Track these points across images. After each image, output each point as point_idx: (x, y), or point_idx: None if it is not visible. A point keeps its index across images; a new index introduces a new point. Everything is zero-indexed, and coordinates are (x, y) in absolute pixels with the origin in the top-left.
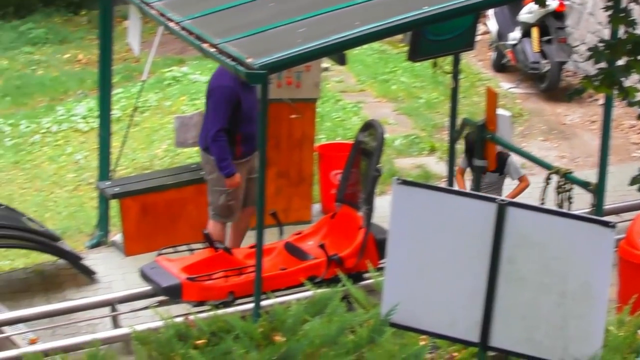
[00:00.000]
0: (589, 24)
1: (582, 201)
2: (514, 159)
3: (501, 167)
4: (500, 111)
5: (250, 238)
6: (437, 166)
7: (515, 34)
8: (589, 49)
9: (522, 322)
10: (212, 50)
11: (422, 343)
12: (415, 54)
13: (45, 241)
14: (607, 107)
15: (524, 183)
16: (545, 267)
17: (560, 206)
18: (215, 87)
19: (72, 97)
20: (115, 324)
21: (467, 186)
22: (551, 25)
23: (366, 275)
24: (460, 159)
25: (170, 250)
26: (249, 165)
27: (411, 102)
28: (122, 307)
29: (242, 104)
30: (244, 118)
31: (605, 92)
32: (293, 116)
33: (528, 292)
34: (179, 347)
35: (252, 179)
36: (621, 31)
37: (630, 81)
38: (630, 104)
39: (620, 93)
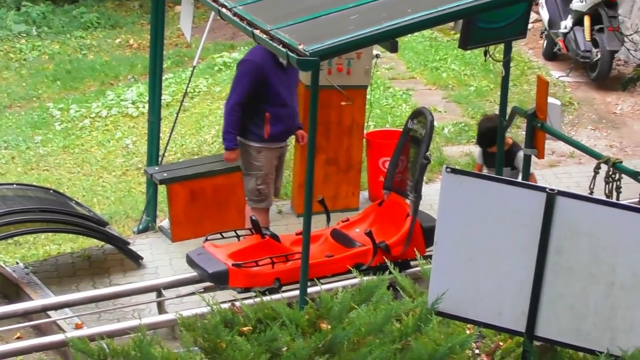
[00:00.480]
0: None
1: (630, 191)
2: (522, 153)
3: (512, 160)
4: (550, 100)
5: (297, 225)
6: None
7: (566, 23)
8: None
9: (570, 313)
10: (264, 36)
11: (468, 332)
12: (466, 42)
13: (92, 226)
14: None
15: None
16: (594, 258)
17: (609, 196)
18: (241, 61)
19: (123, 82)
20: (161, 309)
21: None
22: (603, 13)
23: (413, 263)
24: (476, 155)
25: (217, 236)
26: (280, 153)
27: (461, 90)
28: (168, 293)
29: (269, 83)
30: (271, 98)
31: None
32: (343, 103)
33: (576, 283)
34: (225, 333)
35: (278, 167)
36: None
37: None
38: None
39: None
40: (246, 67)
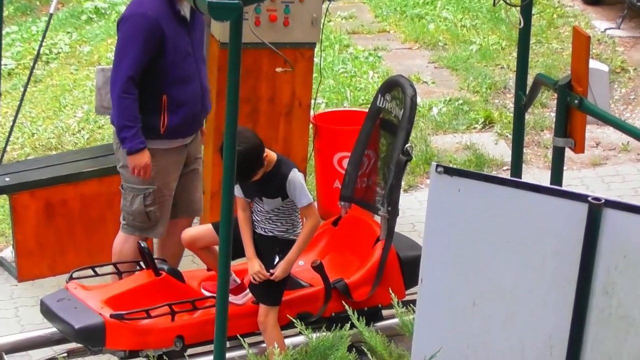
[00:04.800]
0: None
1: None
2: (298, 176)
3: (281, 187)
4: (593, 64)
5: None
6: (496, 147)
7: None
8: None
9: None
10: None
11: None
12: None
13: None
14: None
15: (310, 221)
16: None
17: None
18: (126, 15)
19: None
20: None
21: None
22: None
23: (386, 312)
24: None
25: (88, 272)
26: (184, 153)
27: (458, 49)
28: None
29: (167, 49)
30: (169, 71)
31: None
32: (279, 69)
33: (634, 338)
34: None
35: (189, 174)
36: None
37: None
38: None
39: None
40: (136, 25)
